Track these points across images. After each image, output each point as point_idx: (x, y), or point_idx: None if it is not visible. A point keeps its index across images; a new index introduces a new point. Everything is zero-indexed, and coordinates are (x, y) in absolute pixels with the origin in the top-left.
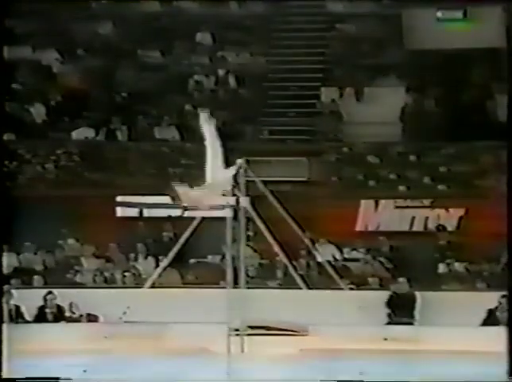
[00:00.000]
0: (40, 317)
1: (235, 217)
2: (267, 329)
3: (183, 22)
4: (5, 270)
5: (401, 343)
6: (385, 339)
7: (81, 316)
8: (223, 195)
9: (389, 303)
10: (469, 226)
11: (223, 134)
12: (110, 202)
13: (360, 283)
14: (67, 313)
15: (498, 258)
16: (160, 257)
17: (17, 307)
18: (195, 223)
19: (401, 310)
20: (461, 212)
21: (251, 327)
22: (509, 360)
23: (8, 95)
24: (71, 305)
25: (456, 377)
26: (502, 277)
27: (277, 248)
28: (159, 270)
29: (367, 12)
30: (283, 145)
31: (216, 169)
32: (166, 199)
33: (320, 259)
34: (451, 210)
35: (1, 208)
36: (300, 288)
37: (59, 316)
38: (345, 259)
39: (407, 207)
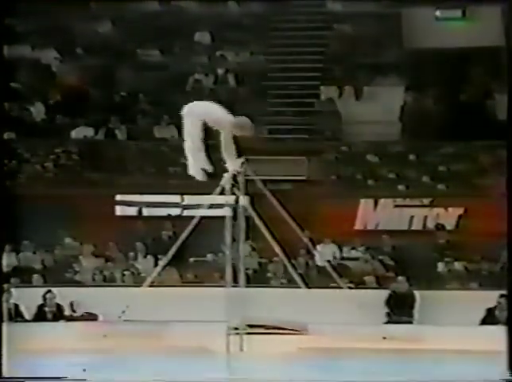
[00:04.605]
0: (40, 315)
1: (235, 216)
2: (266, 328)
3: (182, 21)
4: (4, 269)
5: (400, 342)
6: (385, 338)
7: (82, 315)
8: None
9: (389, 302)
10: (468, 225)
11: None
12: (110, 201)
13: (359, 282)
14: (67, 312)
15: (497, 257)
16: (159, 256)
17: (17, 306)
18: (194, 222)
19: (400, 309)
20: (460, 211)
21: (250, 326)
22: (508, 359)
23: (7, 94)
24: (72, 304)
25: (455, 376)
26: (501, 276)
27: (276, 247)
28: (158, 269)
29: (366, 11)
30: (282, 144)
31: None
32: (165, 198)
33: (319, 263)
34: (450, 209)
35: (1, 207)
36: (300, 287)
37: (58, 315)
38: (344, 258)
39: (406, 206)
